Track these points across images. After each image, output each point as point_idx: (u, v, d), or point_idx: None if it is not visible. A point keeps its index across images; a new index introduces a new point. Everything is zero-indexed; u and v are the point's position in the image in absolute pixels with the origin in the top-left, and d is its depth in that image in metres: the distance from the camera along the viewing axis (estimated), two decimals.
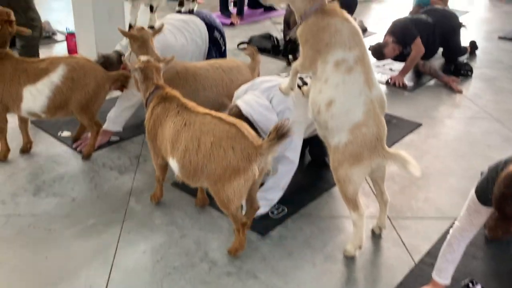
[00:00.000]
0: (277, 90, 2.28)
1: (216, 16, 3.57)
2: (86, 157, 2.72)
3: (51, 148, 2.84)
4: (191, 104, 2.06)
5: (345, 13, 1.97)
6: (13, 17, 2.57)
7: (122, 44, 2.95)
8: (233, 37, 5.15)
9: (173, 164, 2.03)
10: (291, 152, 2.29)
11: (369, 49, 4.44)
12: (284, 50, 4.47)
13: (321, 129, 2.05)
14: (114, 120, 2.85)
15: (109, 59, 2.75)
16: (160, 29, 2.61)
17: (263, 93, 2.30)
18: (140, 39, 2.46)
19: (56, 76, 2.47)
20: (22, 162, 2.68)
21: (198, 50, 3.21)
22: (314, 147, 2.75)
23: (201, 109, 2.01)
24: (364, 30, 5.79)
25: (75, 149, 2.81)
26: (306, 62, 2.01)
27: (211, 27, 3.29)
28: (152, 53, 2.43)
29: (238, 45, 4.95)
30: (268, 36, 4.97)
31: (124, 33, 2.52)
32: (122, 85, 2.78)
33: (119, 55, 2.84)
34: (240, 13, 5.87)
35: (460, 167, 2.84)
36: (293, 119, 2.26)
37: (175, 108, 2.03)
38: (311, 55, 1.97)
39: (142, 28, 2.53)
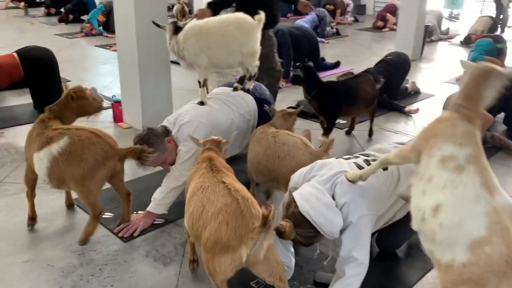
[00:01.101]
0: (342, 177, 1.99)
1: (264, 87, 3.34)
2: (83, 242, 2.46)
3: None
4: (217, 167, 2.05)
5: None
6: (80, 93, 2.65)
7: (170, 120, 2.75)
8: (279, 101, 4.95)
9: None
10: (360, 251, 1.95)
11: None
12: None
13: (426, 241, 1.66)
14: (160, 201, 2.61)
15: (153, 131, 2.57)
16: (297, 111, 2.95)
17: (325, 182, 2.00)
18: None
19: (55, 148, 2.34)
20: (59, 250, 2.45)
21: (246, 125, 2.99)
22: (382, 236, 2.40)
23: (220, 176, 1.98)
24: (418, 92, 5.51)
25: (117, 233, 2.58)
26: (405, 150, 1.75)
27: (260, 100, 3.08)
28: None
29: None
30: None
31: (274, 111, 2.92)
32: (169, 164, 2.61)
33: (166, 130, 2.66)
34: (286, 76, 5.71)
35: None
36: (361, 213, 1.95)
37: (203, 169, 2.06)
38: (414, 142, 1.73)
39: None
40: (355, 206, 1.95)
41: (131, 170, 3.34)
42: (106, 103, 4.78)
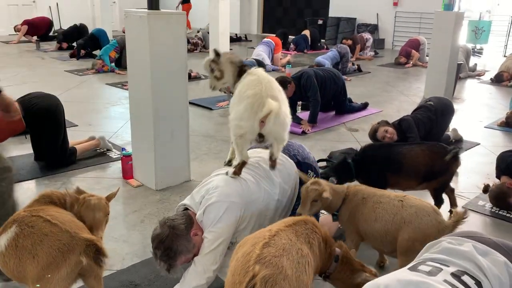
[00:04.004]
0: None
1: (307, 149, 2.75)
2: None
3: None
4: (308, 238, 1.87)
5: None
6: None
7: (195, 199, 2.20)
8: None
9: None
10: None
11: (488, 194, 3.47)
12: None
13: None
14: None
15: (175, 229, 2.00)
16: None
17: None
18: None
19: (3, 241, 1.88)
20: None
21: (285, 197, 2.41)
22: None
23: (275, 226, 1.85)
24: (460, 140, 4.96)
25: None
26: None
27: (303, 165, 2.55)
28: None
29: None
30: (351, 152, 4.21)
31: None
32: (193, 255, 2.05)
33: (190, 217, 2.10)
34: (313, 120, 5.20)
35: None
36: None
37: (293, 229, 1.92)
38: None
39: None
40: None
41: (140, 248, 2.79)
42: (115, 154, 4.32)
